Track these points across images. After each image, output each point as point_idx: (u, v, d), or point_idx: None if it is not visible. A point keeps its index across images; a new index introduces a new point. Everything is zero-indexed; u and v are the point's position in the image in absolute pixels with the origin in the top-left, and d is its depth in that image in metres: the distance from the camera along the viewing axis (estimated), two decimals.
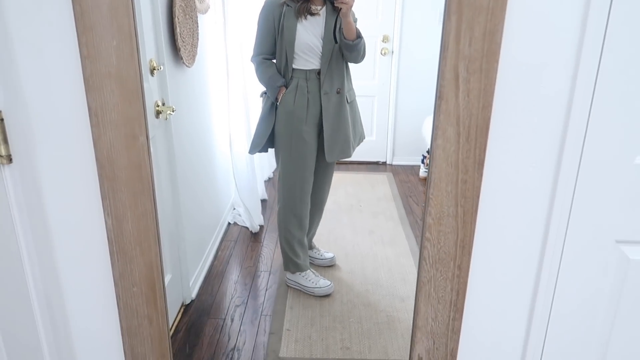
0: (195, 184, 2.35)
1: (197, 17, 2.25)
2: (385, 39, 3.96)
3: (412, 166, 4.14)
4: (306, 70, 2.10)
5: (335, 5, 1.95)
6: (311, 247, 2.60)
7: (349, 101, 2.18)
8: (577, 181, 1.03)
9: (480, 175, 1.02)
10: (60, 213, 1.07)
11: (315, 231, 2.59)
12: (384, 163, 4.25)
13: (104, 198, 1.04)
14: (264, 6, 2.10)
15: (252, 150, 2.26)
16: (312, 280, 2.32)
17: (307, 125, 2.13)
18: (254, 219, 2.90)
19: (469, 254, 1.08)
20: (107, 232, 1.08)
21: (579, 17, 0.93)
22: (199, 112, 2.44)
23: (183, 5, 2.09)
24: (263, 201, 3.35)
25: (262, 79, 2.16)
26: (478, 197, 1.04)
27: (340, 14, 1.97)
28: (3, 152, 0.97)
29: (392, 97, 4.11)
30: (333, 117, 2.13)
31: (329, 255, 2.60)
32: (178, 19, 2.01)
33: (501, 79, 0.97)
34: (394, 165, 4.20)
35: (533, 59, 0.96)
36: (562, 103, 0.98)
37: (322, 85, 2.10)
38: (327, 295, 2.31)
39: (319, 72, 2.09)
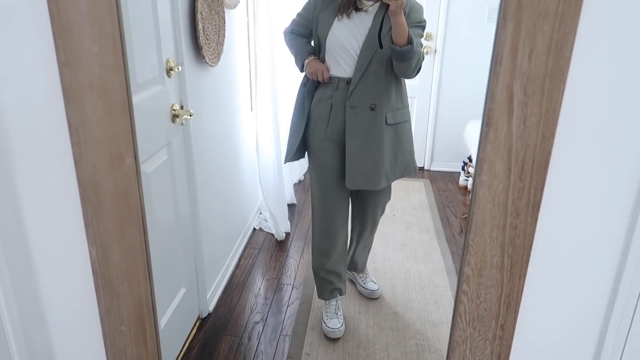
0: (217, 190, 2.22)
1: (224, 12, 2.11)
2: (428, 37, 3.72)
3: (452, 173, 3.90)
4: (338, 77, 1.77)
5: (385, 0, 1.55)
6: (361, 269, 2.30)
7: (389, 123, 1.77)
8: None
9: (535, 220, 0.82)
10: (42, 241, 0.94)
11: (364, 259, 2.27)
12: (422, 169, 4.02)
13: (87, 226, 0.91)
14: None
15: (285, 158, 1.99)
16: (328, 314, 2.06)
17: (327, 142, 1.83)
18: (279, 226, 2.75)
19: (514, 313, 0.89)
20: (91, 264, 0.94)
21: None
22: (223, 113, 2.30)
23: (209, 0, 1.95)
24: (291, 206, 3.20)
25: (292, 45, 1.88)
26: (530, 246, 0.84)
27: (388, 12, 1.58)
28: None
29: (433, 98, 3.87)
30: (360, 137, 1.76)
31: (372, 286, 2.25)
32: (201, 14, 1.87)
33: (567, 104, 0.76)
34: (432, 172, 3.97)
35: (609, 80, 0.75)
36: None
37: (350, 96, 1.74)
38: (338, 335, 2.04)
39: (348, 82, 1.75)
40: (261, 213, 3.00)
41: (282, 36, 1.96)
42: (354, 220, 2.13)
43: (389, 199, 2.09)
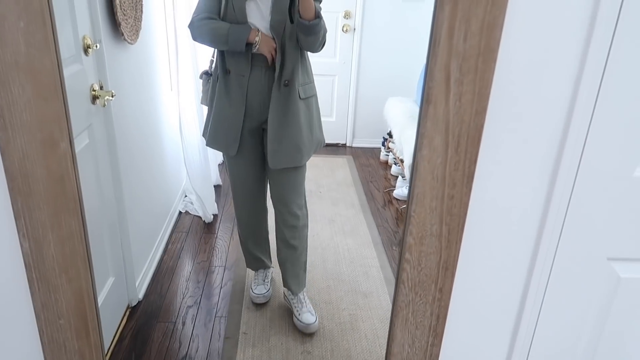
0: (141, 173, 2.13)
1: None
2: (347, 15, 3.77)
3: (373, 149, 4.03)
4: (252, 53, 1.71)
5: None
6: (294, 290, 2.02)
7: (302, 97, 1.77)
8: (572, 196, 0.92)
9: (469, 189, 0.89)
10: None
11: (295, 275, 2.01)
12: (344, 145, 4.12)
13: (17, 217, 0.85)
14: None
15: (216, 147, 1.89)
16: (256, 281, 2.15)
17: (247, 122, 1.79)
18: (207, 208, 2.71)
19: (452, 276, 0.96)
20: (23, 257, 0.88)
21: (588, 16, 0.79)
22: (144, 94, 2.20)
23: None
24: (217, 187, 3.15)
25: (214, 29, 1.69)
26: (465, 214, 0.91)
27: None
28: None
29: (353, 76, 3.95)
30: (278, 114, 1.75)
31: (308, 318, 1.95)
32: None
33: (497, 81, 0.83)
34: (354, 148, 4.08)
35: (533, 59, 0.82)
36: (562, 108, 0.86)
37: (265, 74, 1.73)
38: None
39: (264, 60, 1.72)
40: (186, 196, 2.93)
41: (193, 28, 1.76)
42: (276, 223, 2.00)
43: (303, 191, 1.97)
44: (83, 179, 1.54)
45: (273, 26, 1.67)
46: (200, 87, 2.47)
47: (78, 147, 1.50)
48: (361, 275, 2.34)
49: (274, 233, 2.01)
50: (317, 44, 1.70)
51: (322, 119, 1.98)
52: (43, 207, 0.84)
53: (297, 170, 1.86)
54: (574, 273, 0.99)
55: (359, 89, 3.98)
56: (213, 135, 1.85)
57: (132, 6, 1.94)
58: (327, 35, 1.75)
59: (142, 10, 2.03)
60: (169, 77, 2.65)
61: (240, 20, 1.68)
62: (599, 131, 0.87)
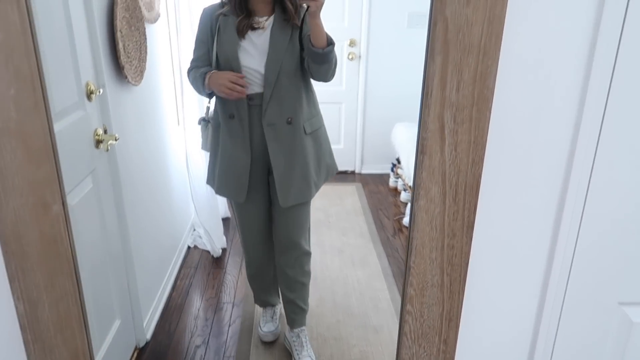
0: (147, 211, 2.13)
1: (144, 28, 2.03)
2: (352, 43, 3.80)
3: (382, 175, 4.01)
4: (249, 94, 1.66)
5: (301, 2, 1.53)
6: (292, 324, 2.00)
7: (308, 132, 1.74)
8: (578, 240, 0.89)
9: (470, 239, 0.86)
10: None
11: (294, 312, 1.97)
12: (353, 172, 4.10)
13: (12, 280, 0.84)
14: (201, 15, 1.75)
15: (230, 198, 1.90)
16: (264, 318, 2.12)
17: (253, 165, 1.74)
18: (215, 242, 2.70)
19: (456, 327, 0.93)
20: (19, 319, 0.87)
21: (582, 65, 0.78)
22: (150, 131, 2.22)
23: (127, 16, 1.87)
24: (225, 220, 3.14)
25: (195, 79, 1.71)
26: (467, 264, 0.88)
27: (307, 15, 1.53)
28: None
29: (360, 103, 3.96)
30: (284, 154, 1.70)
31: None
32: (121, 32, 1.79)
33: (494, 129, 0.81)
34: (363, 174, 4.06)
35: (531, 105, 0.80)
36: (562, 153, 0.84)
37: (265, 115, 1.67)
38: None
39: (260, 99, 1.67)
40: (195, 230, 2.92)
41: (189, 79, 1.80)
42: (277, 260, 1.96)
43: (308, 225, 1.94)
44: (87, 224, 1.55)
45: (269, 64, 1.63)
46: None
47: (82, 193, 1.51)
48: (371, 308, 2.30)
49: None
50: (330, 73, 1.66)
51: (331, 146, 1.93)
52: (37, 269, 0.84)
53: (305, 204, 1.84)
54: (584, 319, 0.95)
55: (366, 116, 3.98)
56: (222, 183, 1.82)
57: (137, 47, 1.97)
58: None
59: (146, 51, 2.06)
60: (175, 112, 2.68)
61: (232, 62, 1.65)
62: (602, 174, 0.84)
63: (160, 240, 2.34)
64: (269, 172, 1.78)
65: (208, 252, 2.77)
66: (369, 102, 3.95)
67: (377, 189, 3.76)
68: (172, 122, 2.60)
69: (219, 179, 1.82)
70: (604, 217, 0.87)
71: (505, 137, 0.82)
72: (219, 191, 1.86)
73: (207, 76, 1.66)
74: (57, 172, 0.80)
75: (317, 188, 1.83)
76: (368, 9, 3.71)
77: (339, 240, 2.94)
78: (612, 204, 0.86)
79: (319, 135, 1.81)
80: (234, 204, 1.90)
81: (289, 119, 1.69)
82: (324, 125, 1.85)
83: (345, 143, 4.07)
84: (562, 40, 0.76)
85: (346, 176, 4.02)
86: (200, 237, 2.84)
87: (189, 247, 2.83)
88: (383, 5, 3.69)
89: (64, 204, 0.82)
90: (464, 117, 0.79)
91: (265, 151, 1.73)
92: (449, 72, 0.76)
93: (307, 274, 1.96)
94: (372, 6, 3.70)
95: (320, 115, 1.83)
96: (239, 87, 1.60)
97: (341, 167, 4.07)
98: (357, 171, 4.10)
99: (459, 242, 0.86)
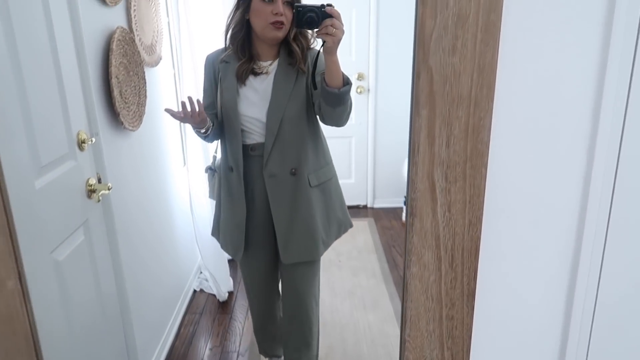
0: (147, 259, 2.07)
1: (144, 72, 2.01)
2: (360, 77, 3.77)
3: (395, 209, 3.90)
4: (250, 144, 1.59)
5: (317, 36, 1.42)
6: None
7: (313, 185, 1.61)
8: (597, 305, 0.79)
9: (471, 309, 0.77)
10: None
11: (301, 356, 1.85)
12: (365, 206, 4.01)
13: None
14: (204, 63, 1.70)
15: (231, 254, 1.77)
16: None
17: (252, 219, 1.65)
18: (220, 286, 2.61)
19: None
20: None
21: (590, 110, 0.69)
22: (151, 176, 2.17)
23: (125, 62, 1.84)
24: (232, 261, 3.06)
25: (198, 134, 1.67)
26: (470, 336, 0.78)
27: (323, 50, 1.41)
28: None
29: (370, 136, 3.89)
30: (286, 206, 1.60)
31: None
32: (117, 78, 1.76)
33: (492, 187, 0.72)
34: (376, 209, 3.96)
35: (532, 159, 0.72)
36: (572, 211, 0.74)
37: (266, 165, 1.57)
38: None
39: (261, 148, 1.58)
40: (201, 272, 2.85)
41: None
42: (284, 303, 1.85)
43: (318, 283, 1.81)
44: (77, 279, 1.48)
45: (271, 112, 1.54)
46: (209, 159, 2.45)
47: (71, 247, 1.45)
48: (384, 356, 2.17)
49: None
50: (345, 116, 1.50)
51: (341, 181, 1.81)
52: None
53: (312, 262, 1.71)
54: None
55: (377, 149, 3.91)
56: (223, 239, 1.76)
57: (135, 92, 1.95)
58: None
59: (145, 95, 2.03)
60: (180, 153, 2.65)
61: (230, 111, 1.58)
62: (619, 232, 0.74)
63: (163, 287, 2.26)
64: (274, 224, 1.67)
65: (214, 295, 2.68)
66: (379, 136, 3.88)
67: (389, 224, 3.65)
68: (177, 164, 2.56)
69: (221, 234, 1.76)
70: (621, 277, 0.77)
71: (505, 195, 0.73)
72: (223, 247, 1.79)
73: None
74: (14, 247, 0.73)
75: (327, 246, 1.69)
76: (375, 42, 3.68)
77: (349, 281, 2.83)
78: (631, 264, 0.76)
79: (328, 188, 1.67)
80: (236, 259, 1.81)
81: (293, 170, 1.58)
82: (335, 176, 1.73)
83: (356, 177, 3.99)
84: (565, 83, 0.68)
85: (358, 211, 3.92)
86: (206, 280, 2.76)
87: (195, 291, 2.75)
88: (391, 38, 3.66)
89: (21, 278, 0.75)
90: (457, 175, 0.70)
91: (268, 204, 1.63)
92: (437, 126, 0.68)
93: (314, 335, 1.84)
94: (379, 39, 3.67)
95: (330, 166, 1.70)
96: (192, 112, 1.48)
97: (353, 202, 3.99)
98: (369, 205, 4.01)
99: (459, 313, 0.77)
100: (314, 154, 1.61)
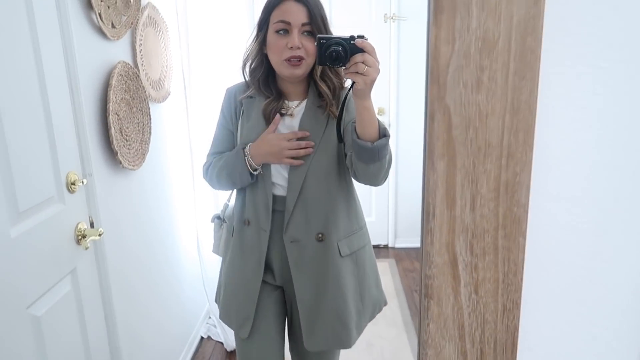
0: (146, 308, 1.92)
1: (149, 108, 1.91)
2: (380, 112, 3.63)
3: (417, 249, 3.69)
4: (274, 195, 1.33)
5: (345, 76, 1.18)
6: None
7: (344, 254, 1.32)
8: None
9: None
10: None
11: None
12: (386, 246, 3.80)
13: None
14: (224, 95, 1.44)
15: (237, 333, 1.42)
16: None
17: (265, 289, 1.37)
18: (228, 334, 2.44)
19: None
20: None
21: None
22: (153, 217, 2.05)
23: (127, 97, 1.75)
24: None
25: (222, 166, 1.35)
26: None
27: (353, 93, 1.11)
28: None
29: (391, 174, 3.70)
30: (310, 281, 1.32)
31: None
32: (117, 115, 1.66)
33: (534, 262, 0.55)
34: (397, 249, 3.75)
35: (579, 229, 0.55)
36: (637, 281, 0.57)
37: (287, 227, 1.30)
38: None
39: (283, 205, 1.31)
40: (210, 317, 2.68)
41: (206, 175, 1.45)
42: None
43: None
44: (59, 335, 1.34)
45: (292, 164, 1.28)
46: (217, 198, 2.30)
47: (53, 300, 1.31)
48: None
49: None
50: (382, 175, 1.22)
51: (378, 270, 1.50)
52: None
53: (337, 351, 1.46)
54: None
55: (398, 187, 3.73)
56: (224, 307, 1.45)
57: (139, 129, 1.84)
58: None
59: (150, 132, 1.92)
60: (191, 192, 2.52)
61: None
62: None
63: (165, 337, 2.10)
64: (284, 293, 1.42)
65: (222, 343, 2.50)
66: (400, 173, 3.71)
67: (412, 265, 3.44)
68: (185, 203, 2.43)
69: (223, 300, 1.45)
70: None
71: (552, 272, 0.56)
72: (222, 316, 1.46)
73: (247, 148, 1.29)
74: None
75: (360, 331, 1.39)
76: (397, 75, 3.56)
77: (368, 331, 2.57)
78: None
79: (362, 258, 1.38)
80: (235, 337, 1.46)
81: (320, 235, 1.30)
82: (369, 242, 1.44)
83: (376, 216, 3.80)
84: (623, 122, 0.52)
85: (379, 251, 3.72)
86: (214, 326, 2.59)
87: (202, 338, 2.58)
88: (413, 69, 3.53)
89: None
90: (486, 246, 0.54)
91: (287, 274, 1.35)
92: (459, 183, 0.52)
93: None
94: (400, 71, 3.55)
95: (364, 230, 1.42)
96: (303, 144, 1.25)
97: (374, 242, 3.76)
98: (390, 245, 3.80)
99: None
100: (346, 215, 1.34)
